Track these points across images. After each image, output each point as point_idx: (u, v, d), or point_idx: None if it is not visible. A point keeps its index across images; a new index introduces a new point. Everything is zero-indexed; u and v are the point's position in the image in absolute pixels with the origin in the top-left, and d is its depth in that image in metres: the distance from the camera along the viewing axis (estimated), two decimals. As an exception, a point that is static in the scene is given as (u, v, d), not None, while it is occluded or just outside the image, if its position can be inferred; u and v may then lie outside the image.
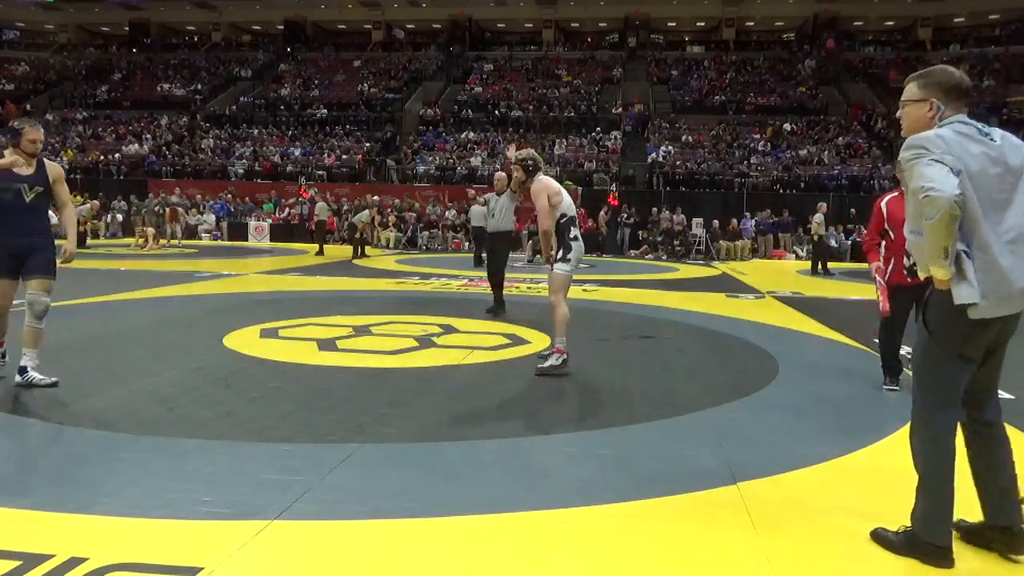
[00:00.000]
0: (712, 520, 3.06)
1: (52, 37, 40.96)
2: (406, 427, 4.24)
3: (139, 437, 3.91)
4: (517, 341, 6.95)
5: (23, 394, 4.73)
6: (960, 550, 2.69)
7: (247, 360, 5.88)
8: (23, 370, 4.89)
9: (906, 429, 4.41)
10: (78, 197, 23.55)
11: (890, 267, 5.20)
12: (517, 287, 11.77)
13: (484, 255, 10.04)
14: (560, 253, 5.61)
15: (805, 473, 3.63)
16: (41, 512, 2.95)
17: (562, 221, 5.63)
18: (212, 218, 24.53)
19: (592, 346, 6.88)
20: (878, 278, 5.29)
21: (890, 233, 5.18)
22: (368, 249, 19.24)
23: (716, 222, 22.12)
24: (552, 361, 5.59)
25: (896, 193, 5.09)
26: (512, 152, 6.03)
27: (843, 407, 4.97)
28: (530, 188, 5.80)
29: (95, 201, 23.10)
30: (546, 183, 5.72)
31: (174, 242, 20.41)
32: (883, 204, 5.32)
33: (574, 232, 5.62)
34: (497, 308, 8.69)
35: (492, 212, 9.06)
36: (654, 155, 26.60)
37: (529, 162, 5.88)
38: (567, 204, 5.68)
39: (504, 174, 9.09)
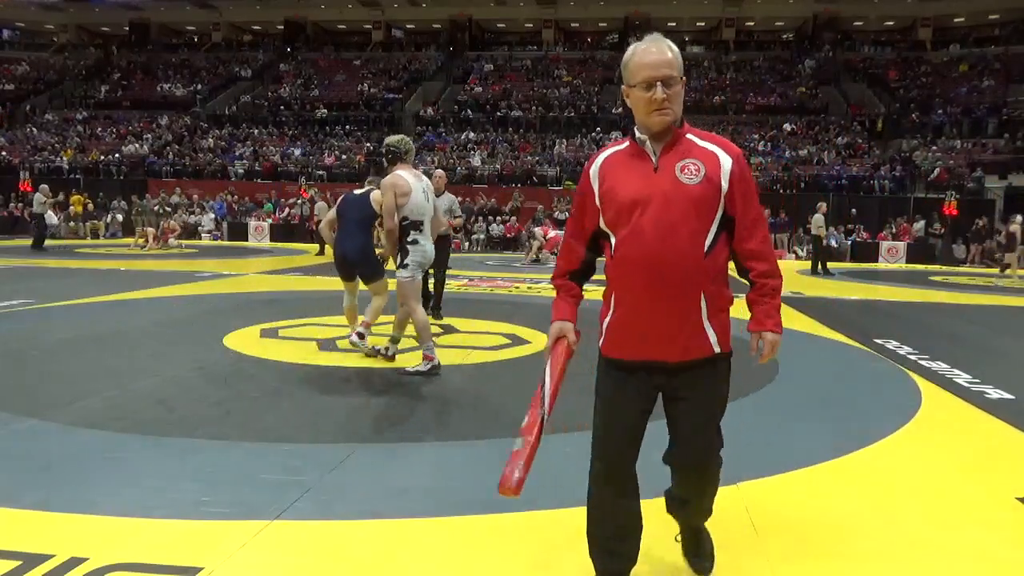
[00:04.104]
0: (712, 520, 3.05)
1: (52, 37, 40.93)
2: (406, 427, 4.24)
3: (139, 437, 3.91)
4: (517, 341, 6.95)
5: (23, 394, 4.73)
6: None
7: (247, 360, 5.88)
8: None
9: (907, 430, 4.44)
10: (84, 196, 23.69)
11: (609, 314, 2.40)
12: (517, 287, 11.79)
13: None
14: (399, 259, 5.42)
15: (805, 473, 3.63)
16: (41, 512, 2.94)
17: (403, 224, 5.38)
18: (212, 218, 24.51)
19: (592, 346, 6.86)
20: (555, 351, 2.49)
21: (610, 236, 2.30)
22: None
23: None
24: (420, 367, 5.46)
25: (621, 146, 2.31)
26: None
27: (843, 407, 4.96)
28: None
29: (78, 196, 23.27)
30: (395, 180, 5.36)
31: (175, 241, 20.37)
32: (596, 166, 2.32)
33: (413, 236, 5.38)
34: (437, 310, 8.24)
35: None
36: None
37: (392, 148, 5.49)
38: (412, 206, 5.37)
39: (443, 172, 8.85)
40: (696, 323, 2.24)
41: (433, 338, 7.06)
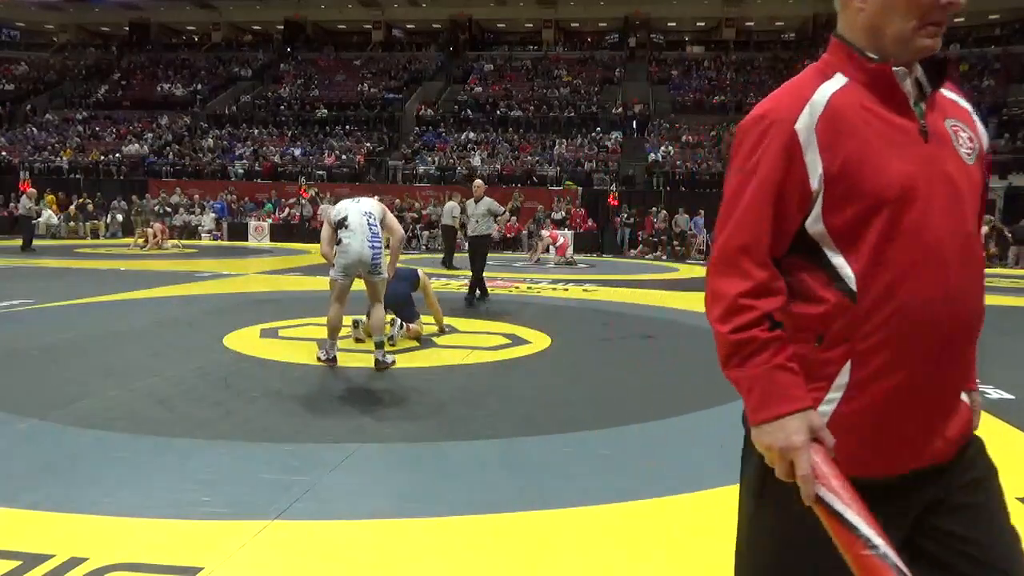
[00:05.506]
0: (712, 520, 3.06)
1: (52, 37, 40.94)
2: (406, 427, 4.24)
3: (139, 437, 3.91)
4: (517, 341, 6.95)
5: (23, 394, 4.73)
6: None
7: (247, 360, 5.88)
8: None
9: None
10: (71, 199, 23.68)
11: (835, 400, 1.26)
12: (517, 287, 11.80)
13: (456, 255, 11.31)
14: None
15: (805, 473, 3.62)
16: (41, 512, 2.94)
17: (336, 230, 5.86)
18: (212, 218, 24.50)
19: (592, 346, 6.89)
20: (827, 474, 1.20)
21: (823, 251, 1.24)
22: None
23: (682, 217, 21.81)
24: (319, 353, 5.93)
25: (840, 82, 1.24)
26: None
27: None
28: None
29: (51, 197, 23.34)
30: (323, 217, 6.25)
31: (175, 242, 20.35)
32: (811, 117, 1.21)
33: (339, 235, 5.82)
34: (474, 298, 9.78)
35: (472, 217, 9.89)
36: (654, 155, 26.60)
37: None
38: (333, 212, 5.97)
39: (481, 182, 10.41)
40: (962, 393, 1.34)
41: (435, 338, 7.09)
